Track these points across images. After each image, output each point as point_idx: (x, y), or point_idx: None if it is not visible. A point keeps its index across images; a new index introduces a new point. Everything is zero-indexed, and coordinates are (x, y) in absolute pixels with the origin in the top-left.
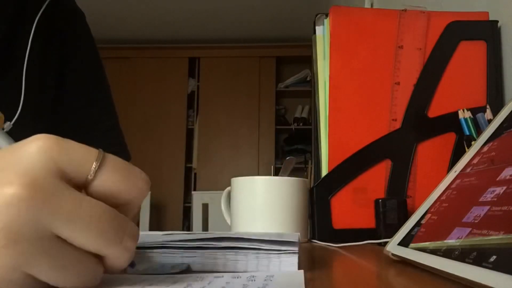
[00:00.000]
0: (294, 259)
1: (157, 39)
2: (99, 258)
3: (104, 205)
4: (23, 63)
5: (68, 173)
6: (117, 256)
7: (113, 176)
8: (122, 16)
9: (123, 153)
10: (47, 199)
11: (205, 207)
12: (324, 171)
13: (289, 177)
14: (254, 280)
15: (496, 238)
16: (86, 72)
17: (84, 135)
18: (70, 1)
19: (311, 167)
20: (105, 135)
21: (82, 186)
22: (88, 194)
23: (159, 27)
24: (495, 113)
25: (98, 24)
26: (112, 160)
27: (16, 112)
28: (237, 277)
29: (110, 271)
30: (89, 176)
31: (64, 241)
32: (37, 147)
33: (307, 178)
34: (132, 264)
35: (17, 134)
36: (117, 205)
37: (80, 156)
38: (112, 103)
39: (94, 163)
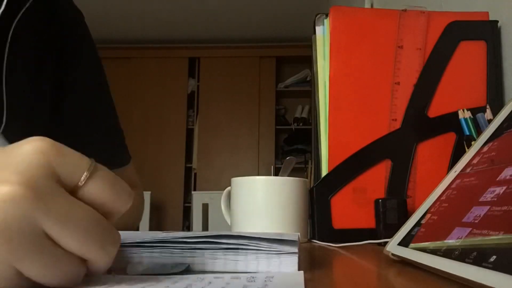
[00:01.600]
0: (294, 259)
1: (157, 39)
2: (82, 260)
3: (93, 211)
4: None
5: (61, 176)
6: (99, 260)
7: (101, 186)
8: (122, 16)
9: (123, 154)
10: (42, 198)
11: (205, 207)
12: (324, 171)
13: (289, 177)
14: (254, 281)
15: (496, 238)
16: (87, 79)
17: (83, 139)
18: (68, 2)
19: (311, 167)
20: (105, 138)
21: (70, 191)
22: None
23: (159, 27)
24: (495, 113)
25: (98, 24)
26: (102, 171)
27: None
28: (237, 278)
29: (91, 273)
30: (79, 183)
31: (52, 240)
32: (34, 148)
33: (307, 178)
34: (108, 271)
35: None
36: (101, 213)
37: (74, 162)
38: (112, 104)
39: (86, 171)
